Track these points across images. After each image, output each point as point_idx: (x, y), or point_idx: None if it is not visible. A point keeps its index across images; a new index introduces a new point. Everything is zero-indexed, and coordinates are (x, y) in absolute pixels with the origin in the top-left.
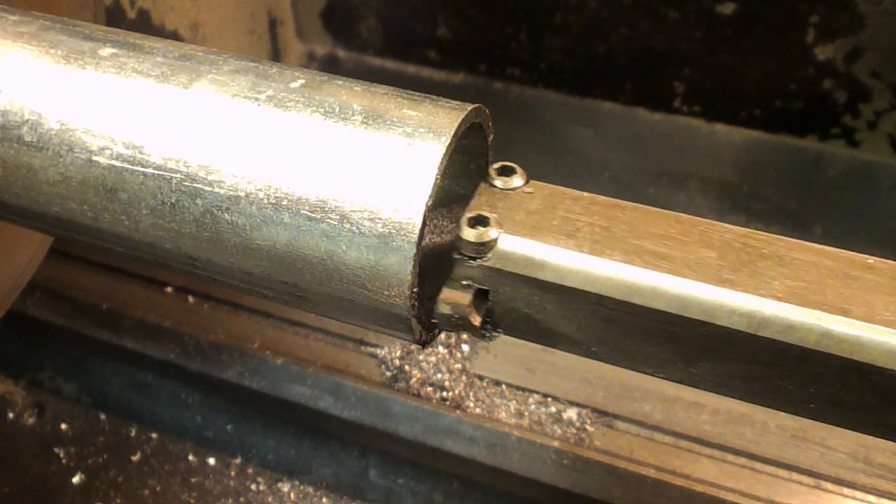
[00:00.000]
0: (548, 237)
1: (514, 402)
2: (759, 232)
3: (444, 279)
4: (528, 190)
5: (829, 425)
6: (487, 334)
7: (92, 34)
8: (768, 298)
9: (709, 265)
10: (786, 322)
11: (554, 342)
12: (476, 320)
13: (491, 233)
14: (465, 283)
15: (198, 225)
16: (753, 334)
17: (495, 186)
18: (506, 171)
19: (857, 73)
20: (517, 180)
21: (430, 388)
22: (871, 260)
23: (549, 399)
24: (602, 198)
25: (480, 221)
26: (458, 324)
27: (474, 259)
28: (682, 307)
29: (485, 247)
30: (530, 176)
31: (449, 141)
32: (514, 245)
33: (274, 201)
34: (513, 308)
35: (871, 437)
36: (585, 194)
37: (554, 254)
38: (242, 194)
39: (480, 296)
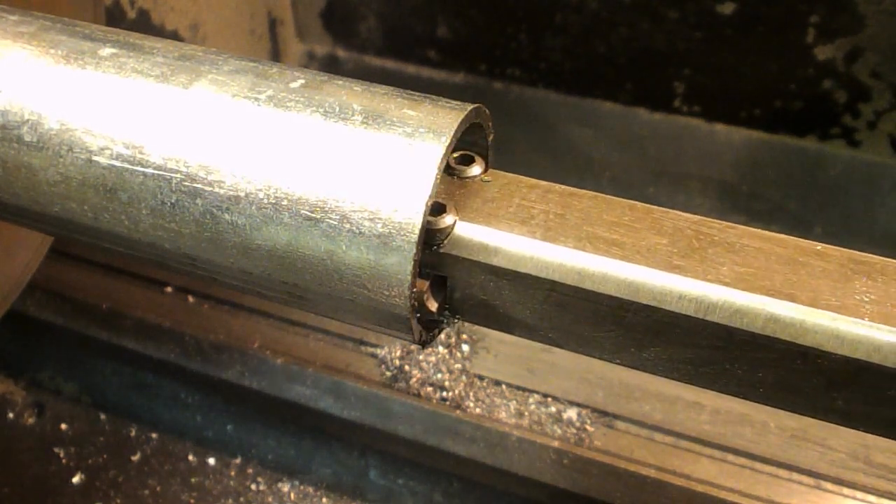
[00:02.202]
0: (502, 224)
1: (514, 402)
2: (712, 219)
3: None
4: (486, 178)
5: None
6: (446, 321)
7: (92, 34)
8: (716, 284)
9: (659, 251)
10: (733, 307)
11: (510, 328)
12: (433, 306)
13: (447, 220)
14: (422, 269)
15: (198, 225)
16: (702, 319)
17: (454, 175)
18: (464, 160)
19: (857, 73)
20: (475, 169)
21: (430, 388)
22: (819, 247)
23: (549, 399)
24: (559, 186)
25: (437, 209)
26: (415, 310)
27: (431, 246)
28: (632, 292)
29: (441, 233)
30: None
31: (449, 141)
32: (469, 232)
33: (274, 201)
34: (470, 294)
35: (872, 437)
36: (543, 183)
37: (507, 240)
38: (242, 194)
39: (438, 283)
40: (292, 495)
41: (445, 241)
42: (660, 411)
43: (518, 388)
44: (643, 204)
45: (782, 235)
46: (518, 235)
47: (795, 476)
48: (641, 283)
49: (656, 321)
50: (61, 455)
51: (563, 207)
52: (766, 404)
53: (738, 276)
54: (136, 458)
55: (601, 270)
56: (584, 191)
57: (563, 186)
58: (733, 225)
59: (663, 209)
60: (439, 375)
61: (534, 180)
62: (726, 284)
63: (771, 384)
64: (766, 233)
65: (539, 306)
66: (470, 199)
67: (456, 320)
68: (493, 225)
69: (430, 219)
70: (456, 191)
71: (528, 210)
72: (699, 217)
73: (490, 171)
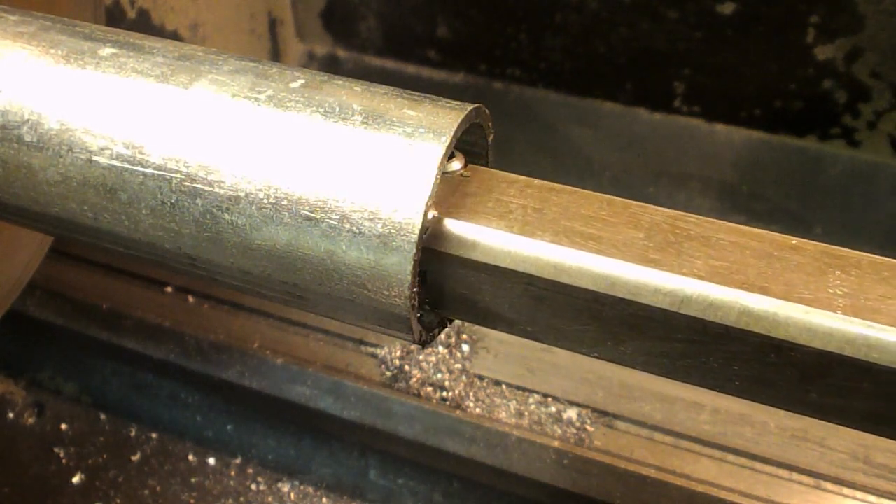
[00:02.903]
0: (480, 219)
1: (514, 402)
2: (689, 214)
3: None
4: (465, 174)
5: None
6: (423, 315)
7: (92, 34)
8: (691, 277)
9: (635, 245)
10: (707, 300)
11: (489, 322)
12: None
13: (427, 215)
14: None
15: (198, 225)
16: (676, 312)
17: None
18: None
19: (857, 73)
20: (455, 164)
21: (430, 388)
22: (794, 241)
23: (549, 399)
24: (538, 181)
25: None
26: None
27: None
28: (608, 286)
29: None
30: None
31: (449, 141)
32: (448, 226)
33: (274, 201)
34: (449, 288)
35: (871, 437)
36: (521, 178)
37: (485, 235)
38: (242, 194)
39: (418, 277)
40: (292, 495)
41: (425, 236)
42: (660, 411)
43: (518, 388)
44: (620, 199)
45: (758, 230)
46: (496, 230)
47: (795, 476)
48: (617, 277)
49: (632, 315)
50: (61, 455)
51: (541, 202)
52: (742, 397)
53: (713, 270)
54: (136, 458)
55: (577, 264)
56: (562, 185)
57: (541, 181)
58: (710, 219)
59: (641, 204)
60: (439, 375)
61: (513, 175)
62: (701, 278)
63: (746, 377)
64: (742, 227)
65: (517, 300)
66: (449, 195)
67: (436, 315)
68: (472, 220)
69: None
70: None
71: (506, 205)
72: (676, 212)
73: (469, 166)
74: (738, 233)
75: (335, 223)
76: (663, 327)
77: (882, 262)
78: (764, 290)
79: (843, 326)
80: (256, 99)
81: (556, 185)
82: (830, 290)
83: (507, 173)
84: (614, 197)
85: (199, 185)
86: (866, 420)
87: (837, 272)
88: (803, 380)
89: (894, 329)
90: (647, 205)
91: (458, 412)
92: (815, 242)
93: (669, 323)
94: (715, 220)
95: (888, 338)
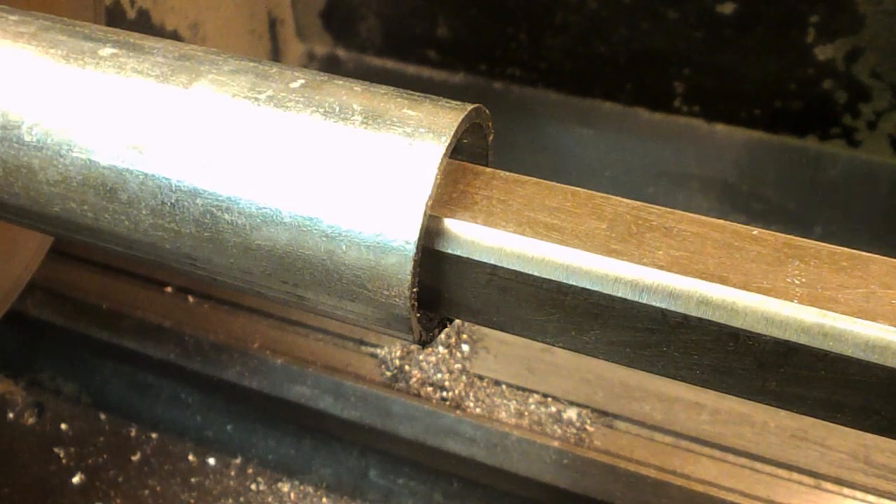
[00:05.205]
0: (445, 210)
1: (514, 402)
2: (652, 205)
3: None
4: None
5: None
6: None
7: (92, 34)
8: (651, 267)
9: (598, 236)
10: (666, 290)
11: (456, 312)
12: None
13: None
14: None
15: (198, 225)
16: (636, 301)
17: None
18: None
19: (857, 73)
20: None
21: (430, 388)
22: (755, 231)
23: (549, 399)
24: (503, 173)
25: None
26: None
27: None
28: (570, 276)
29: None
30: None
31: (449, 141)
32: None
33: (274, 201)
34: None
35: (872, 437)
36: (487, 170)
37: (450, 226)
38: (242, 194)
39: None
40: (292, 495)
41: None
42: (660, 411)
43: (518, 388)
44: (585, 190)
45: (720, 221)
46: (460, 221)
47: (795, 476)
48: (578, 267)
49: (594, 304)
50: (61, 455)
51: (506, 193)
52: (705, 387)
53: (673, 260)
54: (136, 458)
55: (540, 255)
56: (528, 177)
57: (507, 173)
58: (672, 210)
59: (605, 195)
60: (439, 375)
61: (479, 167)
62: (660, 268)
63: (707, 366)
64: (705, 218)
65: (482, 291)
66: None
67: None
68: (436, 211)
69: None
70: None
71: (471, 196)
72: (639, 203)
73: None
74: (699, 223)
75: (335, 223)
76: (624, 317)
77: (841, 251)
78: (723, 280)
79: (800, 315)
80: (256, 99)
81: (521, 176)
82: (788, 280)
83: (472, 165)
84: (579, 188)
85: (199, 185)
86: (823, 408)
87: (797, 262)
88: (762, 368)
89: (850, 318)
90: (610, 196)
91: (458, 412)
92: (776, 233)
93: (630, 312)
94: (676, 211)
95: (843, 326)
